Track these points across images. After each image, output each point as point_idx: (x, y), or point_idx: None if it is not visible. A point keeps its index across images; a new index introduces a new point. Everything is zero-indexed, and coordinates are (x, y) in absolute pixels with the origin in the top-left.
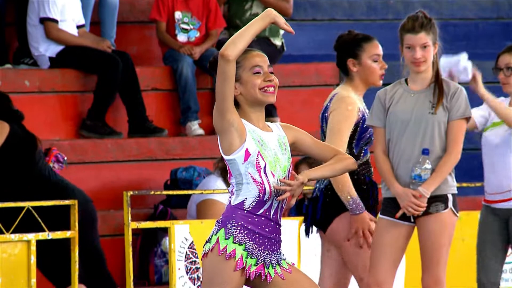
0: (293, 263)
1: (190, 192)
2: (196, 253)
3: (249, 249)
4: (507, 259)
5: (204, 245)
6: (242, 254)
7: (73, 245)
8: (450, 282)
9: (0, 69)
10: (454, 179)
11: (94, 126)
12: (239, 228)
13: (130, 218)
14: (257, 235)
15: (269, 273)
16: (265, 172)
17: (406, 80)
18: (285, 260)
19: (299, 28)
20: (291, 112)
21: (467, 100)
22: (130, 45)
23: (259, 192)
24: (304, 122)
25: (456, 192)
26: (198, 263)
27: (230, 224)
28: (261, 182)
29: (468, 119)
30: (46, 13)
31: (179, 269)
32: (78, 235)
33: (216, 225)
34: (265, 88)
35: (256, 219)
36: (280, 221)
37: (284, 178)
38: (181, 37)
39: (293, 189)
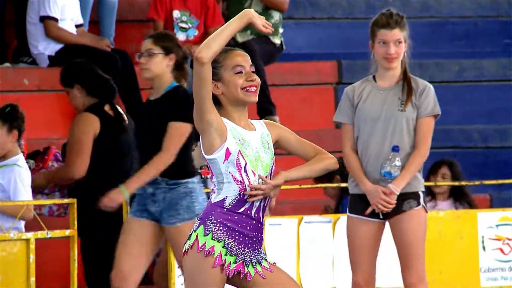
0: (274, 263)
1: None
2: None
3: (228, 246)
4: (508, 257)
5: (184, 243)
6: (221, 251)
7: (72, 244)
8: (450, 280)
9: (0, 67)
10: (422, 176)
11: None
12: (218, 225)
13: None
14: (237, 233)
15: (248, 271)
16: (245, 171)
17: (374, 77)
18: (265, 259)
19: (298, 27)
20: (290, 110)
21: (436, 98)
22: (129, 43)
23: (239, 191)
24: (303, 120)
25: (424, 189)
26: None
27: (209, 221)
28: (242, 181)
29: (436, 116)
30: (47, 12)
31: (178, 267)
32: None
33: (196, 222)
34: (247, 88)
35: (236, 217)
36: (262, 220)
37: (266, 177)
38: (180, 36)
39: (266, 192)
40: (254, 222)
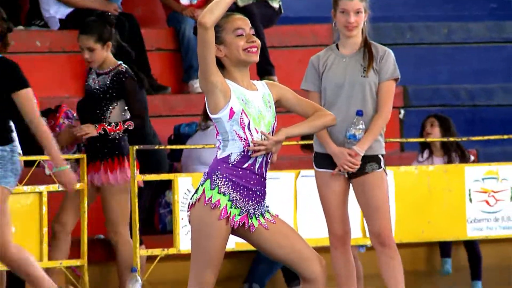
0: (277, 215)
1: (192, 146)
2: None
3: (233, 199)
4: (493, 209)
5: (191, 196)
6: (226, 204)
7: (82, 196)
8: (438, 230)
9: (14, 30)
10: (383, 139)
11: None
12: (223, 179)
13: (136, 171)
14: (241, 187)
15: (252, 223)
16: (249, 129)
17: (337, 46)
18: (268, 211)
19: None
20: (288, 71)
21: (395, 62)
22: (135, 7)
23: (243, 148)
24: (300, 80)
25: (384, 152)
26: None
27: (215, 176)
28: (245, 138)
29: (396, 79)
30: None
31: (182, 218)
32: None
33: (203, 177)
34: (248, 48)
35: (240, 172)
36: (265, 174)
37: (268, 134)
38: (184, 0)
39: (268, 148)
40: (257, 177)
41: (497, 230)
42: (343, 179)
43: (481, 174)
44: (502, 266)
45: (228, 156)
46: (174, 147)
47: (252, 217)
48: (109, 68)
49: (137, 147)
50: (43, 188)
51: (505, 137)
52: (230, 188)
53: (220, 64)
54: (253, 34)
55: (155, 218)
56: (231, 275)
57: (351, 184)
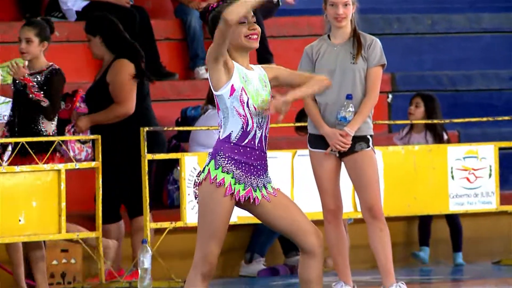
0: (278, 188)
1: (197, 128)
2: None
3: (236, 176)
4: (473, 185)
5: (198, 176)
6: (230, 182)
7: (97, 174)
8: (423, 205)
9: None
10: (371, 121)
11: None
12: (226, 159)
13: (146, 150)
14: (243, 164)
15: (256, 196)
16: (248, 106)
17: (328, 36)
18: (270, 183)
19: None
20: (285, 59)
21: (382, 50)
22: (146, 0)
23: (242, 124)
24: (295, 67)
25: (372, 133)
26: None
27: (218, 156)
28: (245, 115)
29: (383, 66)
30: None
31: (188, 194)
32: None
33: (208, 157)
34: (250, 35)
35: (241, 150)
36: (265, 149)
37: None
38: None
39: (277, 107)
40: (257, 152)
41: (477, 204)
42: (335, 158)
43: (462, 153)
44: (481, 238)
45: (229, 135)
46: (179, 128)
47: (256, 190)
48: (41, 68)
49: (147, 128)
50: (61, 167)
51: (484, 119)
52: (233, 166)
53: None
54: (254, 22)
55: (163, 194)
56: (234, 246)
57: (342, 163)
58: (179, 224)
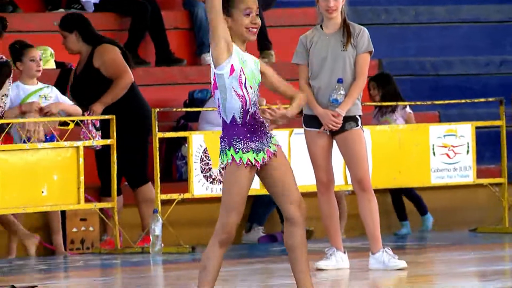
0: (279, 145)
1: (203, 109)
2: (209, 157)
3: (254, 149)
4: (452, 161)
5: (221, 157)
6: (248, 157)
7: (112, 151)
8: (407, 178)
9: (55, 13)
10: (360, 103)
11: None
12: (241, 141)
13: (157, 129)
14: (254, 136)
15: (263, 157)
16: (245, 86)
17: (321, 26)
18: (274, 137)
19: None
20: (283, 46)
21: (369, 38)
22: None
23: (241, 104)
24: (292, 54)
25: (361, 113)
26: (210, 164)
27: (234, 141)
28: (242, 95)
29: (370, 52)
30: None
31: (195, 169)
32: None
33: (223, 143)
34: (250, 28)
35: (248, 126)
36: (259, 113)
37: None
38: None
39: (276, 119)
40: (257, 121)
41: (456, 178)
42: (327, 136)
43: (443, 132)
44: (459, 209)
45: (233, 117)
46: (188, 109)
47: (265, 150)
48: None
49: (158, 109)
50: (80, 144)
51: (463, 101)
52: (249, 143)
53: None
54: (257, 15)
55: (173, 168)
56: None
57: (334, 140)
58: (186, 195)
